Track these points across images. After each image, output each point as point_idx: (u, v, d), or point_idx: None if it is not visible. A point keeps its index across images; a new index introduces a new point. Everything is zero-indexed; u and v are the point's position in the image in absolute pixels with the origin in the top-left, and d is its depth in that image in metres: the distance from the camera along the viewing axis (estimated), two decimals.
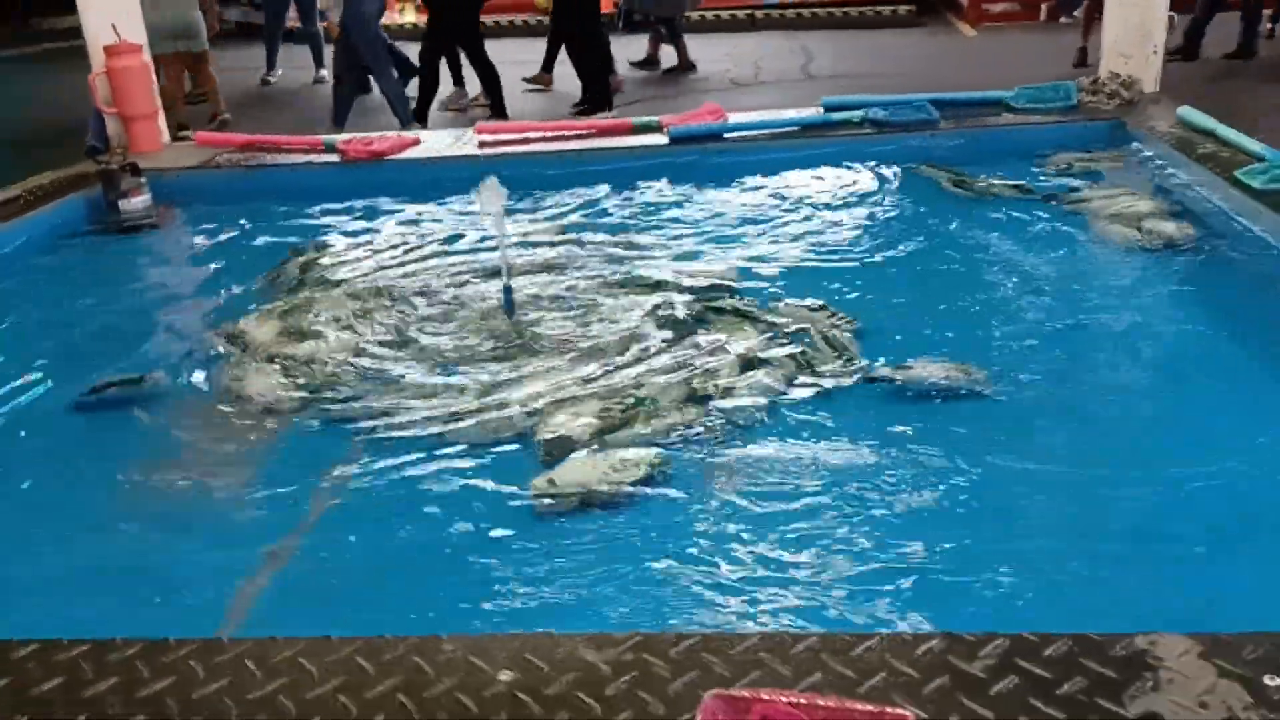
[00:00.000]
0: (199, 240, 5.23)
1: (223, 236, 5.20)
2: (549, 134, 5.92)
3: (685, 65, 10.48)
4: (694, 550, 2.43)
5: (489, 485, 2.78)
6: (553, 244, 4.58)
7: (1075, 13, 10.47)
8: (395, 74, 8.04)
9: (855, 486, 2.63)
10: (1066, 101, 5.64)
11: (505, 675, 1.66)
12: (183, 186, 5.64)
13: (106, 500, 2.86)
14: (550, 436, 2.96)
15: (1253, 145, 4.34)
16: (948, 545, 2.37)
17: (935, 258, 4.12)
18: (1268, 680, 1.55)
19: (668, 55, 10.53)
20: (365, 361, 3.53)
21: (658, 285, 4.01)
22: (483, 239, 4.62)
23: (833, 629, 1.83)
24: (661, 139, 5.59)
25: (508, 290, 3.73)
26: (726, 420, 3.00)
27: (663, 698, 1.60)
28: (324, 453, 3.00)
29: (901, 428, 2.87)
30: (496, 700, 1.62)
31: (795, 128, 5.67)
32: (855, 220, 4.60)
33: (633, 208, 5.02)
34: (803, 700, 1.54)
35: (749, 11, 14.38)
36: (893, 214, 4.64)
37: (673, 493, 2.68)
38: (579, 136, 5.83)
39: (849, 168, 5.28)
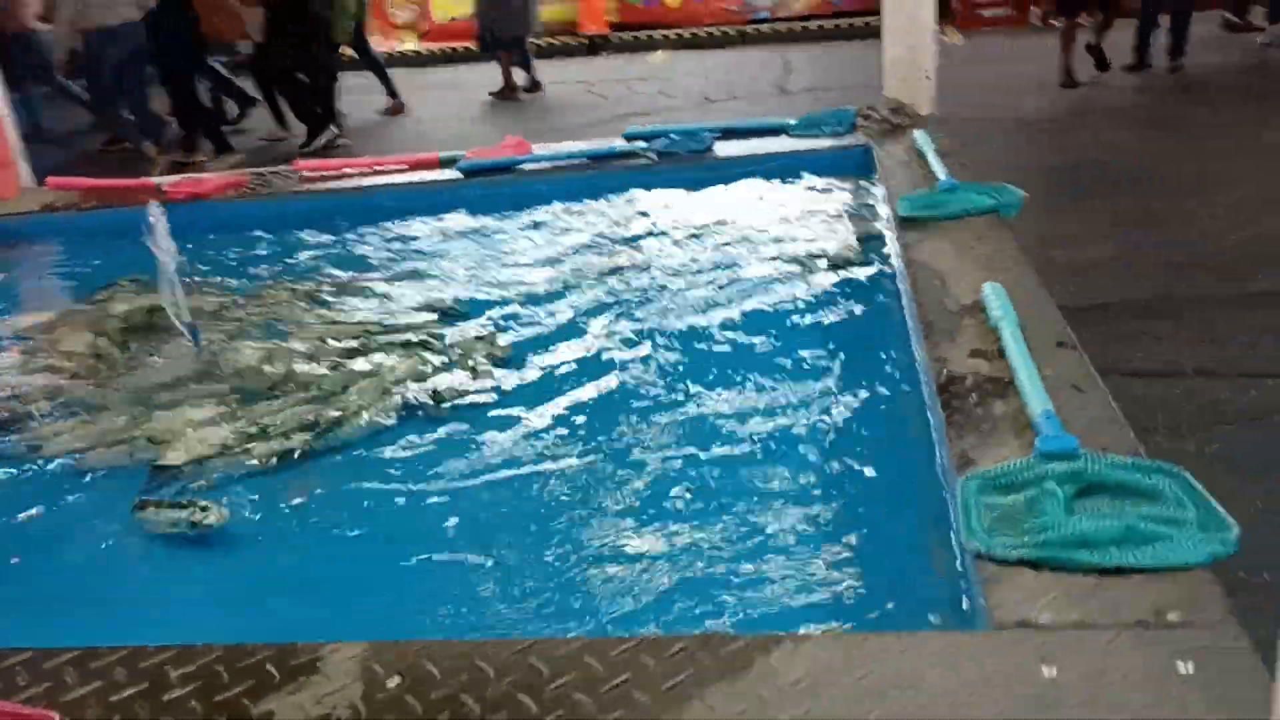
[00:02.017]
0: (11, 281, 5.69)
1: (36, 278, 5.67)
2: (365, 169, 6.29)
3: (532, 86, 11.51)
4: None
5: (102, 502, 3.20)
6: (274, 284, 4.94)
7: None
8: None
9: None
10: (842, 127, 5.87)
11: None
12: (20, 229, 6.10)
13: None
14: (164, 460, 3.35)
15: (939, 170, 4.55)
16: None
17: (603, 283, 4.43)
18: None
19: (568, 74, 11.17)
20: (58, 395, 3.93)
21: (360, 320, 4.37)
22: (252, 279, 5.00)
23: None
24: (454, 174, 5.92)
25: (192, 329, 4.08)
26: (339, 441, 3.39)
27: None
28: None
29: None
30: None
31: (584, 160, 5.97)
32: (571, 249, 4.91)
33: (382, 243, 5.36)
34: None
35: (739, 29, 14.73)
36: (608, 242, 4.93)
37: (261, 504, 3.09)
38: (389, 172, 6.19)
39: (612, 198, 5.57)
